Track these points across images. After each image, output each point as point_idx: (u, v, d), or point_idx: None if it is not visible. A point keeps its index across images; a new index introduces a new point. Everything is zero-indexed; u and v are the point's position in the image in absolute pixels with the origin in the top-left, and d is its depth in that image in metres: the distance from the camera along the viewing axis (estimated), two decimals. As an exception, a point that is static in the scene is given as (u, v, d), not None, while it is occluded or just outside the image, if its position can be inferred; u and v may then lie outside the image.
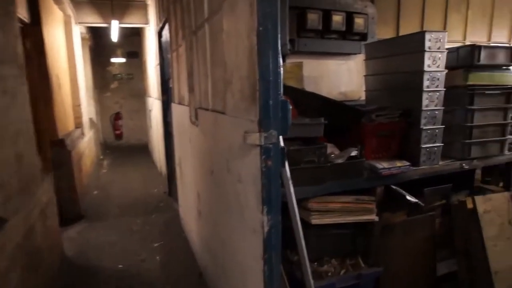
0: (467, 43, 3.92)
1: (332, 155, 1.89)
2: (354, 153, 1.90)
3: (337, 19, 2.74)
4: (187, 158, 2.98)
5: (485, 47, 2.24)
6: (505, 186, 2.57)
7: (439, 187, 2.28)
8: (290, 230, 1.54)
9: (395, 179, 2.04)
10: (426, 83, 2.06)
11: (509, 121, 2.40)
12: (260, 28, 1.16)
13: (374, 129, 2.05)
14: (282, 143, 1.37)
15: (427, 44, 2.01)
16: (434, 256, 2.32)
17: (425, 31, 2.00)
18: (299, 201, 1.67)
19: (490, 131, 2.35)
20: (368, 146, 2.05)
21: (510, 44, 4.32)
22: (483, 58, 2.23)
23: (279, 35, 1.24)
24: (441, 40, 2.05)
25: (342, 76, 3.11)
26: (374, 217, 1.95)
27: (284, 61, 2.75)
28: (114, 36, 6.58)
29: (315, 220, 1.80)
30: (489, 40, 4.25)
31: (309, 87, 2.78)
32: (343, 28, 2.79)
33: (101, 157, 7.91)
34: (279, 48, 1.27)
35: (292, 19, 2.63)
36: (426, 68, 2.04)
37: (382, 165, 1.96)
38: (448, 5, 3.90)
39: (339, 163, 1.83)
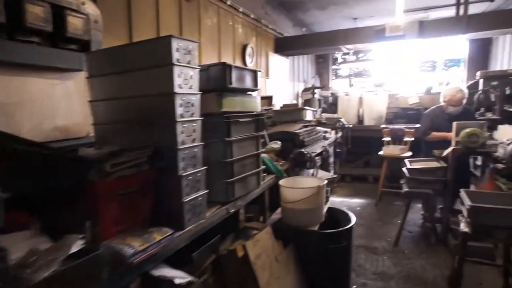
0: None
1: (32, 261, 0.92)
2: (79, 244, 1.01)
3: (37, 11, 1.73)
4: None
5: (235, 67, 1.94)
6: (264, 219, 2.42)
7: (208, 244, 1.77)
8: None
9: (156, 258, 1.31)
10: (179, 110, 1.47)
11: (261, 150, 2.26)
12: None
13: (113, 188, 1.24)
14: None
15: (176, 55, 1.43)
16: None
17: (172, 36, 1.41)
18: None
19: (248, 163, 2.09)
20: (106, 217, 1.22)
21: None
22: (234, 81, 1.93)
23: None
24: (192, 53, 1.53)
25: (59, 103, 2.07)
26: None
27: None
28: None
29: None
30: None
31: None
32: (49, 28, 1.81)
33: None
34: None
35: None
36: (177, 89, 1.45)
37: (133, 246, 1.18)
38: (183, 29, 3.70)
39: (49, 276, 0.89)
